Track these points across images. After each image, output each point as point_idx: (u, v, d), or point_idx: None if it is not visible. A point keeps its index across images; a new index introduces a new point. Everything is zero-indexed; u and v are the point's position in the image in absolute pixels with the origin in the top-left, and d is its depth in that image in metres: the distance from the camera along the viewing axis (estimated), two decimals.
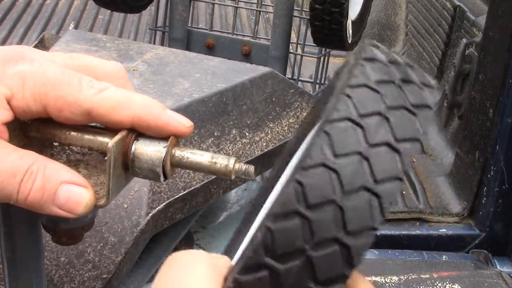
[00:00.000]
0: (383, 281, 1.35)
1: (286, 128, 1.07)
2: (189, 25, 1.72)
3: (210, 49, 1.65)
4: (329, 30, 1.34)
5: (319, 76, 1.83)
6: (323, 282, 0.36)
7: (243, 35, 1.89)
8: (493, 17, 1.55)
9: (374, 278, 1.36)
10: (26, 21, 2.44)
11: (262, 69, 1.08)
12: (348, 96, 0.38)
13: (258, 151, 1.00)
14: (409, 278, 1.36)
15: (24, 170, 0.47)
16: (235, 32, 1.76)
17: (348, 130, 0.38)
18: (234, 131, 0.98)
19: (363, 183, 0.36)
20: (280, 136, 1.06)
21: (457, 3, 2.03)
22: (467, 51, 1.79)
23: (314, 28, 1.35)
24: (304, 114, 1.12)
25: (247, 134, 1.00)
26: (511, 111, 1.51)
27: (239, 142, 0.98)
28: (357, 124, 0.38)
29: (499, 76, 1.51)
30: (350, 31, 1.40)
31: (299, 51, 1.89)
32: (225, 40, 1.66)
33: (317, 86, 1.84)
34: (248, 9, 1.86)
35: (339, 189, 0.36)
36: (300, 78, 1.87)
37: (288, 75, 1.89)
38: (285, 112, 1.08)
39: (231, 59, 1.65)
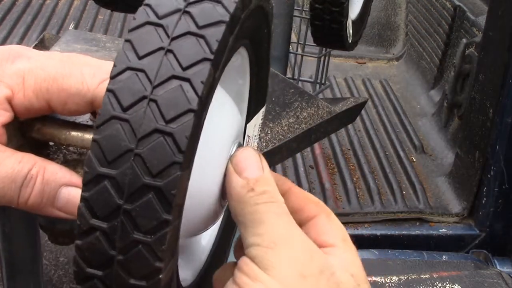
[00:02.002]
0: (383, 281, 1.35)
1: (286, 128, 1.07)
2: None
3: None
4: (329, 29, 1.34)
5: (319, 75, 1.83)
6: (158, 174, 0.37)
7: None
8: (493, 17, 1.55)
9: (374, 278, 1.36)
10: (26, 21, 2.44)
11: None
12: (146, 5, 0.40)
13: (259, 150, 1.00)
14: (409, 278, 1.36)
15: (24, 174, 0.47)
16: None
17: (148, 32, 0.39)
18: None
19: (171, 72, 0.38)
20: (280, 136, 1.05)
21: (457, 3, 2.03)
22: (467, 51, 1.79)
23: (314, 27, 1.35)
24: (305, 114, 1.12)
25: None
26: (511, 111, 1.51)
27: None
28: (157, 25, 0.39)
29: (499, 76, 1.51)
30: (351, 31, 1.40)
31: (300, 51, 1.89)
32: None
33: (318, 86, 1.84)
34: None
35: (148, 84, 0.37)
36: (300, 78, 1.87)
37: (289, 75, 1.89)
38: (284, 112, 1.08)
39: None
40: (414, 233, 1.62)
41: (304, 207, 0.49)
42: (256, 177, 0.45)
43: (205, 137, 0.43)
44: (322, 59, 1.79)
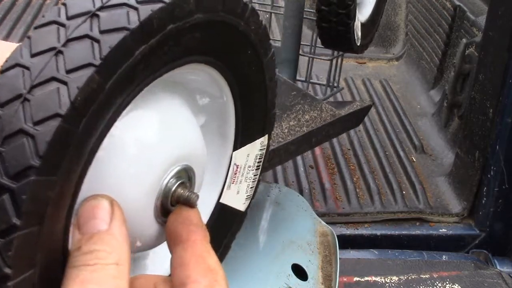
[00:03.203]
0: (383, 281, 1.35)
1: (286, 130, 1.05)
2: None
3: None
4: (336, 32, 1.32)
5: (331, 78, 1.74)
6: (14, 176, 0.35)
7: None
8: (493, 17, 1.55)
9: (374, 278, 1.36)
10: (26, 21, 2.44)
11: None
12: (63, 4, 0.39)
13: None
14: (409, 278, 1.36)
15: None
16: None
17: (50, 31, 0.38)
18: None
19: (53, 74, 0.37)
20: (279, 139, 1.04)
21: (457, 3, 2.03)
22: (467, 51, 1.79)
23: (321, 30, 1.33)
24: (307, 116, 1.10)
25: None
26: (511, 111, 1.51)
27: None
28: (61, 24, 0.38)
29: (499, 76, 1.51)
30: (359, 34, 1.38)
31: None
32: None
33: (329, 88, 1.77)
34: (261, 11, 1.83)
35: (28, 83, 0.37)
36: (311, 81, 1.80)
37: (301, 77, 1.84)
38: (285, 115, 1.07)
39: None
40: (414, 233, 1.62)
41: (188, 266, 0.44)
42: (92, 233, 0.40)
43: (123, 150, 0.42)
44: (334, 61, 1.72)
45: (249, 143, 0.58)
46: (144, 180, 0.45)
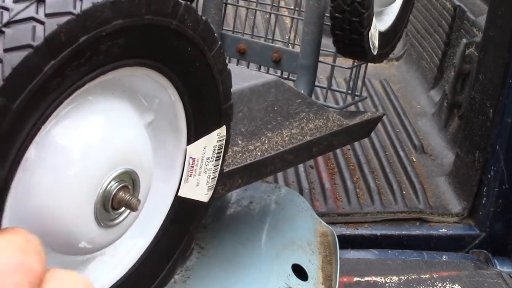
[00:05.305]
0: (383, 281, 1.35)
1: (287, 138, 1.03)
2: (223, 28, 1.63)
3: (241, 54, 1.60)
4: (350, 40, 1.29)
5: (351, 86, 1.63)
6: None
7: (279, 41, 1.76)
8: (493, 17, 1.55)
9: (374, 278, 1.36)
10: None
11: (266, 77, 1.05)
12: None
13: (250, 159, 0.97)
14: (409, 278, 1.36)
15: None
16: (269, 38, 1.69)
17: None
18: None
19: None
20: (279, 146, 1.02)
21: (457, 3, 2.03)
22: (467, 51, 1.79)
23: (335, 37, 1.31)
24: (311, 125, 1.08)
25: (239, 142, 0.97)
26: (511, 111, 1.51)
27: (230, 150, 0.95)
28: None
29: (499, 76, 1.51)
30: (376, 43, 1.35)
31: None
32: (256, 46, 1.61)
33: (349, 96, 1.65)
34: (281, 15, 1.80)
35: None
36: (331, 88, 1.71)
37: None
38: (287, 122, 1.04)
39: (262, 65, 1.62)
40: (414, 233, 1.62)
41: None
42: None
43: (56, 155, 0.43)
44: (355, 69, 1.61)
45: (204, 135, 0.58)
46: (80, 183, 0.45)
